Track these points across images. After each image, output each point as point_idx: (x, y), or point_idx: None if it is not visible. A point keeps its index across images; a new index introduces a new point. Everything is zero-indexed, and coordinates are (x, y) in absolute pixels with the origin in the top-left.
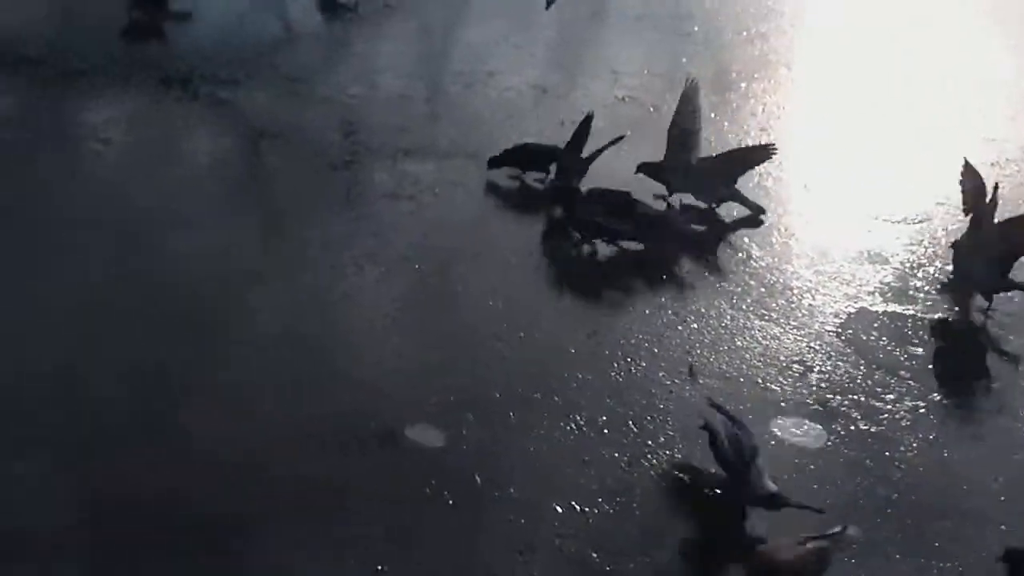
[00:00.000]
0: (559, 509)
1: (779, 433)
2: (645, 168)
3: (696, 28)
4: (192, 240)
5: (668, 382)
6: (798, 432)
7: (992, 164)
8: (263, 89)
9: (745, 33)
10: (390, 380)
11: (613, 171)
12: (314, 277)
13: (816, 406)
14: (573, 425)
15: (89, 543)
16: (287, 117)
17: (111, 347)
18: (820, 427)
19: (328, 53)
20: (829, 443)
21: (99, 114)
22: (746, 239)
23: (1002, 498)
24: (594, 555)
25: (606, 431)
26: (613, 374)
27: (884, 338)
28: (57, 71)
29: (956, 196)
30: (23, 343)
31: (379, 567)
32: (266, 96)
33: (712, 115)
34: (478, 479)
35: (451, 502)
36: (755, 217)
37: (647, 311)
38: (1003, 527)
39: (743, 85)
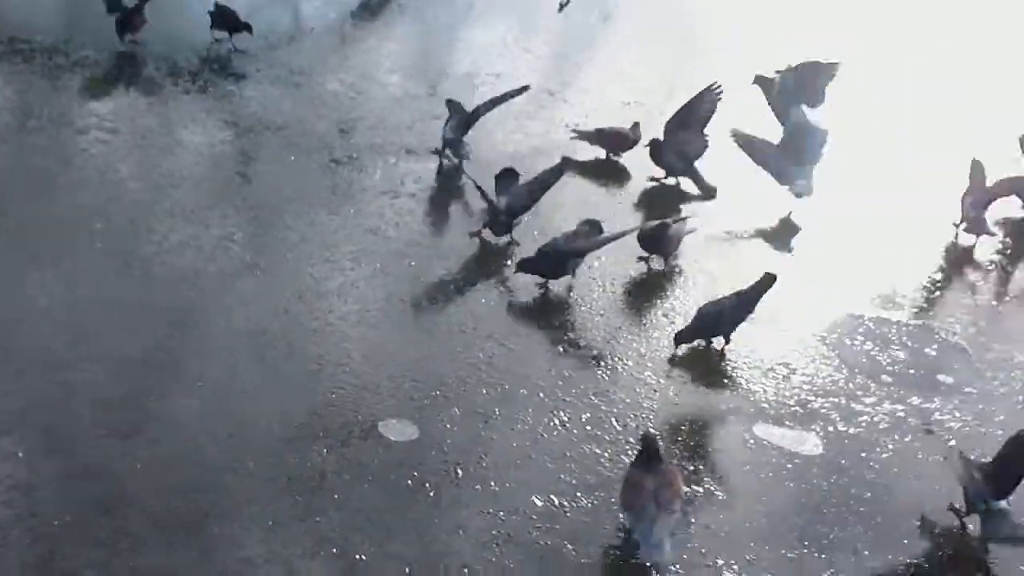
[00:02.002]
0: (538, 503)
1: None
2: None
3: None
4: (190, 231)
5: (652, 380)
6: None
7: None
8: (271, 84)
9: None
10: (376, 374)
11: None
12: (309, 271)
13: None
14: (557, 421)
15: (71, 534)
16: (293, 112)
17: (102, 337)
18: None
19: (336, 50)
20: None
21: (107, 104)
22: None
23: None
24: (570, 547)
25: (589, 428)
26: (599, 372)
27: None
28: (69, 60)
29: None
30: (16, 329)
31: (357, 557)
32: (273, 91)
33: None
34: (459, 472)
35: (431, 494)
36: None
37: (636, 311)
38: None
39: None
